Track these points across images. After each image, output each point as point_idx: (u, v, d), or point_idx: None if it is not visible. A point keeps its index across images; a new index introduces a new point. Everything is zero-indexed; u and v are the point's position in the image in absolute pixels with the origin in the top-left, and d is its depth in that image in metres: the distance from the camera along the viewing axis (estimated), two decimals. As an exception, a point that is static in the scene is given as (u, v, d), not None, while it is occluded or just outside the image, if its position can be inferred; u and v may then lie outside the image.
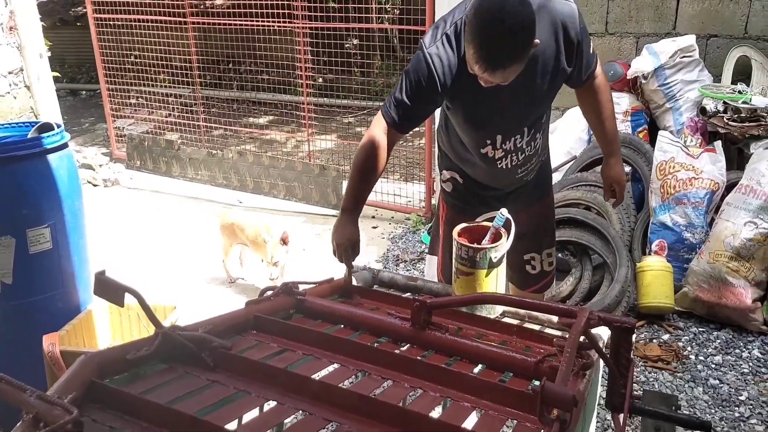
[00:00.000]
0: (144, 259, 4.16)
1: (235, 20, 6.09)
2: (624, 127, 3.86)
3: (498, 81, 1.66)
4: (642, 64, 3.76)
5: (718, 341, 3.07)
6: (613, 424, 1.42)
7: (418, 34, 4.73)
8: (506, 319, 1.61)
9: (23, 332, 2.49)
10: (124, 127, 6.58)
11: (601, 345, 1.35)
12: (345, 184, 5.00)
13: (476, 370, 1.24)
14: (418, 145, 6.16)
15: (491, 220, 1.79)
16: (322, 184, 5.03)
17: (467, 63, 1.67)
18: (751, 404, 2.64)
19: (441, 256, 2.38)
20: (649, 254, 3.41)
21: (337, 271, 1.97)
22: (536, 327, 1.54)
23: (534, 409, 0.97)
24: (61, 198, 2.52)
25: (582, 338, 1.19)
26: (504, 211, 1.77)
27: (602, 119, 2.12)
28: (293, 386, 1.04)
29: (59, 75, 5.52)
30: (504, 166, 2.01)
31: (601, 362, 1.43)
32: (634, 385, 2.62)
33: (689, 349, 3.03)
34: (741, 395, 2.70)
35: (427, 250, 3.86)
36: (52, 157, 2.48)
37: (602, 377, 2.08)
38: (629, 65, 3.87)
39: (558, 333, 1.46)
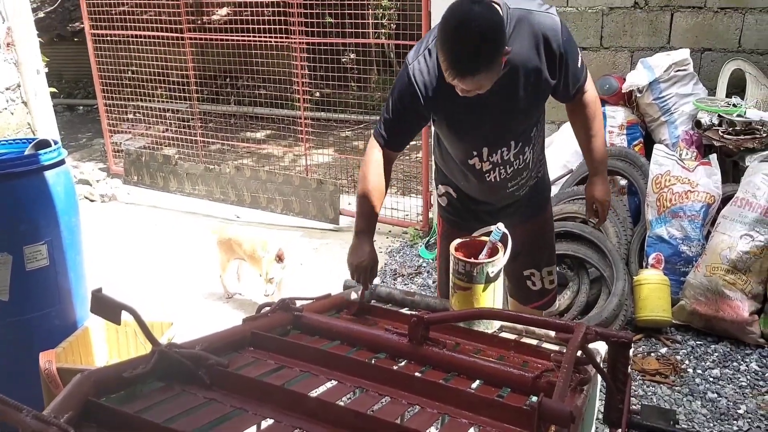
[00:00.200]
0: (141, 275, 4.15)
1: (233, 36, 6.13)
2: (620, 140, 3.88)
3: (471, 88, 1.66)
4: (637, 78, 3.78)
5: (716, 354, 3.07)
6: (611, 440, 1.42)
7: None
8: (504, 334, 1.61)
9: (20, 349, 2.48)
10: (121, 142, 6.59)
11: (598, 360, 1.35)
12: (342, 198, 5.04)
13: (474, 385, 1.24)
14: (415, 158, 6.17)
15: (488, 234, 1.79)
16: (319, 199, 5.03)
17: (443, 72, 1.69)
18: (750, 417, 2.64)
19: (438, 271, 2.39)
20: (646, 267, 3.41)
21: (334, 286, 1.97)
22: (534, 342, 1.54)
23: (531, 425, 0.97)
24: (58, 215, 2.52)
25: (579, 353, 1.19)
26: (501, 225, 1.77)
27: (590, 135, 2.11)
28: (290, 404, 1.04)
29: (56, 91, 5.54)
30: (492, 179, 2.02)
31: (599, 377, 1.43)
32: (632, 399, 2.62)
33: (687, 362, 3.02)
34: (739, 409, 2.69)
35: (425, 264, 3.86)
36: (48, 174, 2.48)
37: (600, 392, 2.07)
38: (624, 79, 3.89)
39: (555, 348, 1.46)
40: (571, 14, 4.17)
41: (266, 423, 1.03)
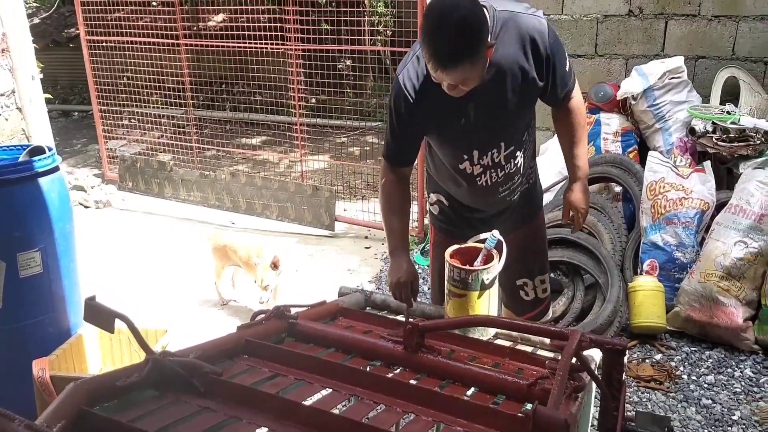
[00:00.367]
0: (136, 281, 4.14)
1: (228, 42, 6.14)
2: (614, 147, 3.89)
3: (456, 82, 1.67)
4: (631, 86, 3.80)
5: (711, 361, 3.07)
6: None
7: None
8: (499, 341, 1.61)
9: (13, 357, 2.47)
10: (116, 148, 6.58)
11: (593, 367, 1.36)
12: (338, 204, 5.04)
13: (469, 393, 1.24)
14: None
15: (483, 242, 1.79)
16: (315, 205, 5.03)
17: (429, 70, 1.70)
18: (744, 424, 2.64)
19: (431, 279, 2.39)
20: (641, 274, 3.42)
21: (329, 293, 1.97)
22: (529, 349, 1.54)
23: (526, 433, 0.97)
24: (52, 221, 2.51)
25: (574, 360, 1.19)
26: (496, 232, 1.77)
27: (574, 141, 2.11)
28: (285, 412, 1.04)
29: (51, 97, 5.53)
30: (484, 183, 2.02)
31: (594, 384, 1.43)
32: (627, 405, 2.62)
33: (682, 368, 3.02)
34: (734, 415, 2.69)
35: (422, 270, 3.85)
36: (43, 181, 2.48)
37: (595, 399, 2.07)
38: (619, 86, 3.91)
39: (550, 355, 1.46)
40: (566, 22, 4.19)
41: (260, 431, 1.02)
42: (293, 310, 1.51)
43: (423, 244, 4.51)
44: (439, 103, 1.82)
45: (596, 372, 1.32)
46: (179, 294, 3.96)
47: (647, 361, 3.09)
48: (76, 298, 2.70)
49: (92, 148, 7.55)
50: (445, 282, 1.76)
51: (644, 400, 2.81)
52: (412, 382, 1.24)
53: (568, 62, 1.93)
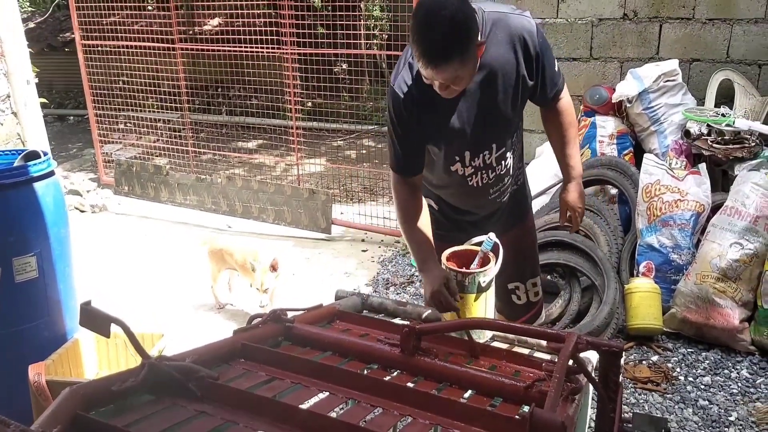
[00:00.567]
0: (132, 286, 4.13)
1: (224, 46, 6.14)
2: (610, 150, 3.90)
3: (447, 80, 1.67)
4: (626, 88, 3.81)
5: (707, 362, 3.07)
6: (603, 449, 1.42)
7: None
8: (495, 344, 1.61)
9: (9, 362, 2.46)
10: (112, 153, 6.57)
11: (589, 369, 1.36)
12: (334, 207, 5.04)
13: (466, 395, 1.23)
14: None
15: (479, 244, 1.79)
16: (311, 208, 5.03)
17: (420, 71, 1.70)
18: (741, 425, 2.64)
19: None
20: (637, 276, 3.42)
21: (326, 296, 1.96)
22: (526, 351, 1.54)
23: (523, 435, 0.97)
24: (48, 226, 2.51)
25: (571, 362, 1.19)
26: (492, 235, 1.77)
27: (565, 141, 2.12)
28: (281, 416, 1.03)
29: (47, 101, 5.52)
30: (475, 184, 2.03)
31: (590, 386, 1.43)
32: (624, 407, 2.62)
33: (678, 370, 3.03)
34: (730, 416, 2.70)
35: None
36: (38, 185, 2.47)
37: (592, 401, 2.07)
38: (614, 89, 3.92)
39: (547, 357, 1.46)
40: (561, 25, 4.20)
41: (257, 435, 1.02)
42: (290, 314, 1.50)
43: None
44: (431, 106, 1.83)
45: (593, 374, 1.32)
46: (175, 298, 3.96)
47: (644, 362, 3.09)
48: (71, 302, 2.70)
49: (88, 153, 7.54)
50: (442, 285, 1.76)
51: (641, 401, 2.82)
52: (409, 385, 1.24)
53: (556, 63, 1.95)
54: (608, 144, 3.91)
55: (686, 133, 3.63)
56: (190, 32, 7.95)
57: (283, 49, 5.34)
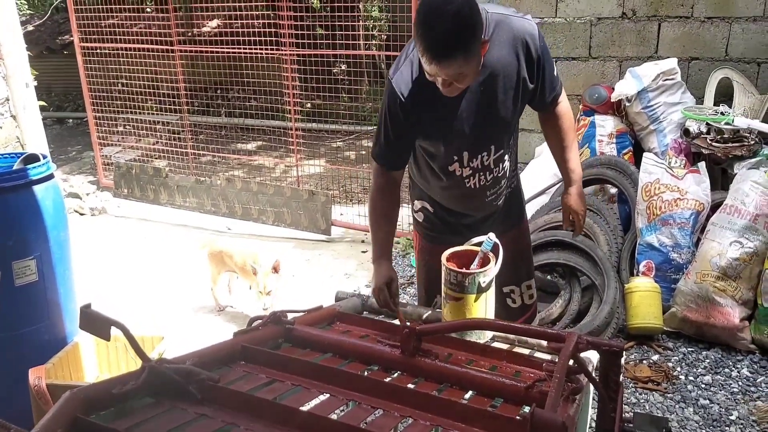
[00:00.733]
0: (132, 288, 4.13)
1: (223, 48, 6.14)
2: (609, 149, 3.90)
3: (451, 77, 1.65)
4: (625, 88, 3.81)
5: (708, 361, 3.07)
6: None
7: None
8: (496, 344, 1.61)
9: (9, 365, 2.46)
10: (111, 155, 6.57)
11: (590, 369, 1.35)
12: (334, 209, 5.04)
13: (467, 396, 1.23)
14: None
15: (479, 245, 1.79)
16: (311, 210, 5.03)
17: (423, 68, 1.69)
18: (742, 424, 2.64)
19: (418, 285, 2.38)
20: (637, 275, 3.42)
21: (326, 297, 1.96)
22: (526, 351, 1.54)
23: (524, 436, 0.97)
24: (47, 229, 2.51)
25: (571, 362, 1.19)
26: (492, 235, 1.77)
27: (565, 146, 2.12)
28: (282, 418, 1.03)
29: (46, 104, 5.52)
30: (472, 186, 2.02)
31: (591, 386, 1.43)
32: (625, 407, 2.62)
33: (679, 369, 3.03)
34: (731, 415, 2.70)
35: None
36: (38, 189, 2.47)
37: (592, 400, 2.07)
38: (613, 88, 3.92)
39: (548, 357, 1.46)
40: (560, 25, 4.20)
41: (258, 438, 1.02)
42: (290, 316, 1.50)
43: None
44: (431, 105, 1.83)
45: (594, 374, 1.32)
46: (175, 300, 3.96)
47: (644, 362, 3.09)
48: (71, 305, 2.69)
49: (87, 155, 7.54)
50: (442, 285, 1.76)
51: (642, 401, 2.81)
52: (410, 386, 1.24)
53: (555, 67, 1.96)
54: (607, 143, 3.92)
55: (685, 132, 3.63)
56: (189, 34, 7.95)
57: (281, 50, 5.34)
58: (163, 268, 4.47)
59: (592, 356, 1.46)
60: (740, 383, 2.90)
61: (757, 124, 3.45)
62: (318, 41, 6.59)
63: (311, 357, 1.37)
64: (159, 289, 4.11)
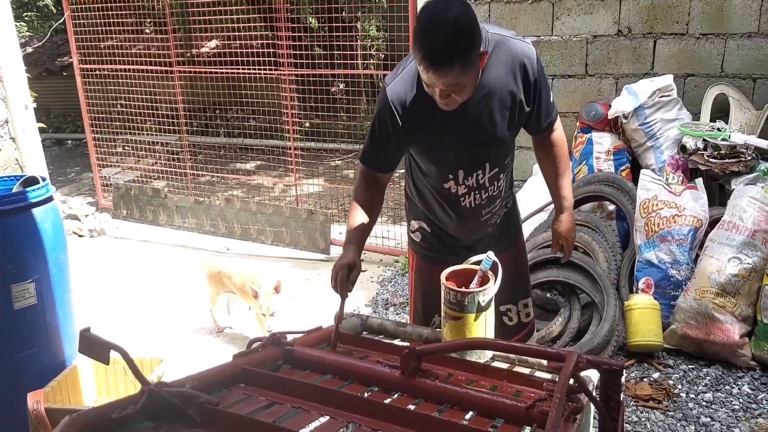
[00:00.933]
0: (131, 310, 4.11)
1: (222, 68, 6.17)
2: (607, 166, 3.92)
3: (448, 87, 1.66)
4: (622, 104, 3.83)
5: (708, 378, 3.06)
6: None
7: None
8: (496, 363, 1.61)
9: (7, 389, 2.45)
10: (110, 176, 6.59)
11: (590, 387, 1.35)
12: (333, 228, 5.04)
13: (467, 417, 1.23)
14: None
15: (478, 263, 1.79)
16: (310, 229, 5.03)
17: (420, 75, 1.69)
18: (745, 441, 2.63)
19: (412, 305, 2.37)
20: (636, 292, 3.42)
21: (326, 318, 1.96)
22: (526, 370, 1.53)
23: (525, 457, 0.96)
24: (46, 252, 2.51)
25: (572, 381, 1.19)
26: (491, 254, 1.77)
27: (558, 173, 2.14)
28: (282, 441, 1.03)
29: (45, 126, 5.54)
30: (468, 204, 2.03)
31: (592, 405, 1.42)
32: (626, 426, 2.60)
33: (680, 386, 3.01)
34: (734, 432, 2.68)
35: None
36: (37, 211, 2.48)
37: (594, 419, 2.06)
38: (609, 105, 3.95)
39: (548, 376, 1.46)
40: (556, 42, 4.23)
41: (258, 461, 1.02)
42: (289, 337, 1.50)
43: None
44: (426, 119, 1.84)
45: (594, 393, 1.32)
46: (174, 322, 3.94)
47: (645, 379, 3.08)
48: (70, 328, 2.69)
49: (86, 177, 7.55)
50: (441, 305, 1.76)
51: (643, 419, 2.80)
52: (410, 407, 1.23)
53: (551, 93, 1.98)
54: (605, 160, 3.93)
55: (682, 148, 3.64)
56: (188, 54, 8.01)
57: (280, 70, 5.37)
58: (162, 289, 4.46)
59: (592, 375, 1.46)
60: (741, 400, 2.89)
61: (754, 140, 3.46)
62: (316, 61, 6.63)
63: (311, 378, 1.37)
64: (158, 311, 4.10)
